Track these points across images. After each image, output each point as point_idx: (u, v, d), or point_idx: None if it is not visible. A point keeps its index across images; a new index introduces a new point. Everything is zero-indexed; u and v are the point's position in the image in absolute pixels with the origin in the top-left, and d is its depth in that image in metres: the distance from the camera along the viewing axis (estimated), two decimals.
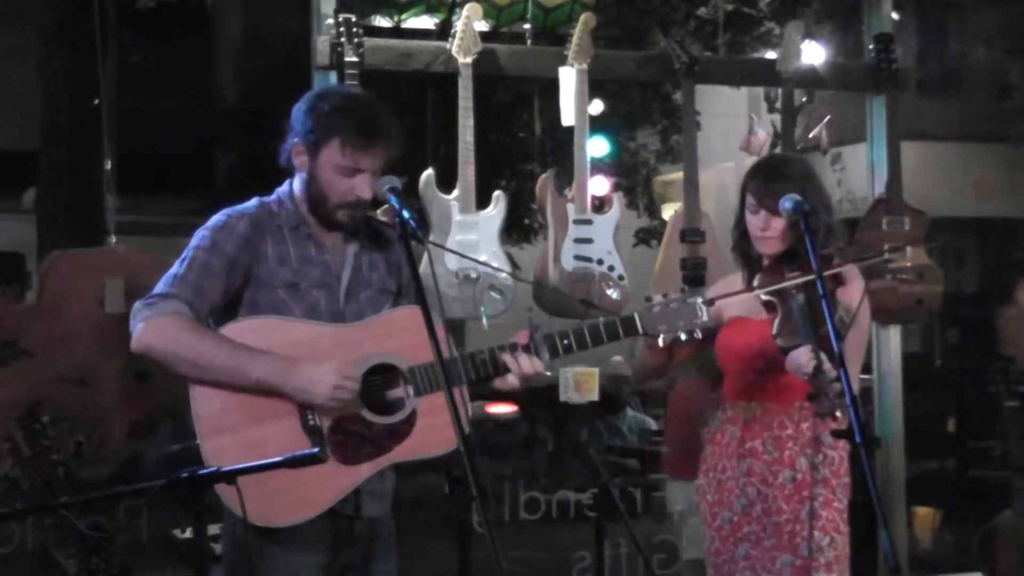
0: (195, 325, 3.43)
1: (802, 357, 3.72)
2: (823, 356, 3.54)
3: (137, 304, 3.46)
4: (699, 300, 3.61)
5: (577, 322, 3.65)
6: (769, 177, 4.09)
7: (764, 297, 3.97)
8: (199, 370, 3.40)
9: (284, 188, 3.65)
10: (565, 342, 3.57)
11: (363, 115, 3.57)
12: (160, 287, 3.48)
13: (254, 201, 3.63)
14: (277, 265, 3.53)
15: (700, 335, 3.69)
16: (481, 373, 3.52)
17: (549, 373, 3.66)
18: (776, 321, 3.90)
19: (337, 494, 3.46)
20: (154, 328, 3.40)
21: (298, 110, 3.60)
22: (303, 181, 3.59)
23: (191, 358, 3.39)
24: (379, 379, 3.48)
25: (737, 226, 4.22)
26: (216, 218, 3.57)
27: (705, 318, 3.60)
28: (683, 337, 3.63)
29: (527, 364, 3.52)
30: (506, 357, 3.52)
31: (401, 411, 3.48)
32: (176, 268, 3.51)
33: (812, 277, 3.60)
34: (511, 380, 3.54)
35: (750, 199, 4.10)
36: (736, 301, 4.11)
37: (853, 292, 3.93)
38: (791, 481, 4.06)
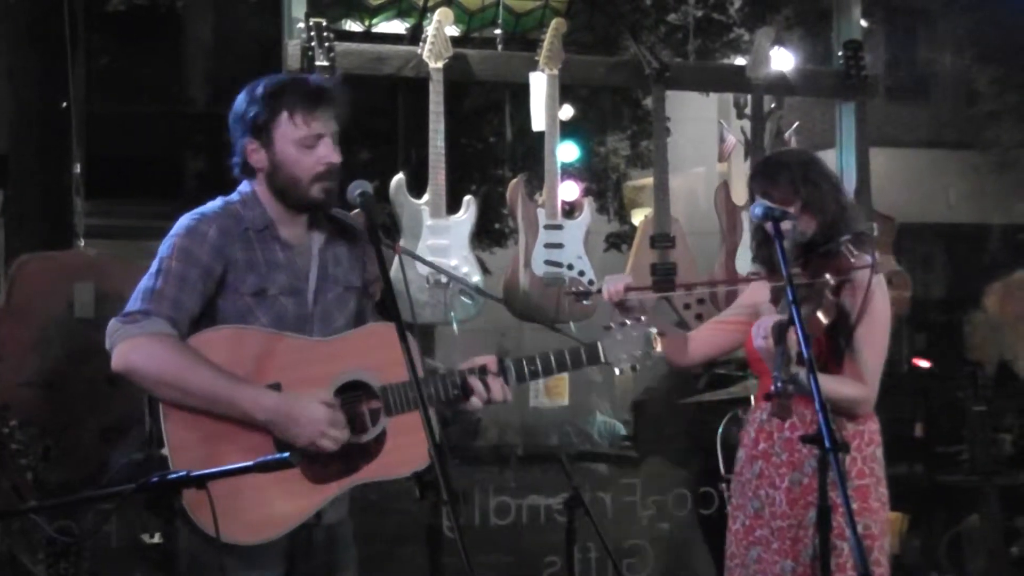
0: (181, 348, 3.29)
1: (757, 336, 3.74)
2: (792, 355, 3.53)
3: (113, 322, 3.32)
4: (652, 331, 3.68)
5: (547, 342, 3.66)
6: (770, 170, 4.05)
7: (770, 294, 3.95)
8: (183, 396, 3.26)
9: (246, 188, 3.52)
10: (532, 368, 3.61)
11: (301, 82, 3.54)
12: (137, 303, 3.33)
13: (219, 202, 3.50)
14: (246, 271, 3.41)
15: (651, 363, 3.73)
16: (451, 395, 3.52)
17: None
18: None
19: (303, 514, 3.39)
20: (137, 349, 3.27)
21: (235, 112, 3.49)
22: (266, 177, 3.47)
23: (176, 383, 3.26)
24: (350, 396, 3.43)
25: (755, 235, 4.15)
26: (183, 224, 3.42)
27: (658, 349, 3.68)
28: (636, 367, 3.69)
29: (495, 391, 3.55)
30: (474, 381, 3.53)
31: (372, 430, 3.43)
32: (151, 282, 3.35)
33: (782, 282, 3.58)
34: (474, 402, 3.54)
35: (759, 198, 3.97)
36: (765, 301, 4.06)
37: (859, 293, 3.90)
38: (797, 484, 3.98)
